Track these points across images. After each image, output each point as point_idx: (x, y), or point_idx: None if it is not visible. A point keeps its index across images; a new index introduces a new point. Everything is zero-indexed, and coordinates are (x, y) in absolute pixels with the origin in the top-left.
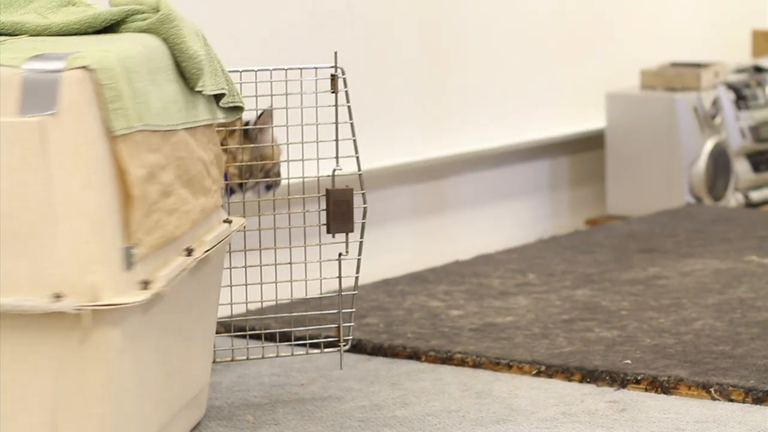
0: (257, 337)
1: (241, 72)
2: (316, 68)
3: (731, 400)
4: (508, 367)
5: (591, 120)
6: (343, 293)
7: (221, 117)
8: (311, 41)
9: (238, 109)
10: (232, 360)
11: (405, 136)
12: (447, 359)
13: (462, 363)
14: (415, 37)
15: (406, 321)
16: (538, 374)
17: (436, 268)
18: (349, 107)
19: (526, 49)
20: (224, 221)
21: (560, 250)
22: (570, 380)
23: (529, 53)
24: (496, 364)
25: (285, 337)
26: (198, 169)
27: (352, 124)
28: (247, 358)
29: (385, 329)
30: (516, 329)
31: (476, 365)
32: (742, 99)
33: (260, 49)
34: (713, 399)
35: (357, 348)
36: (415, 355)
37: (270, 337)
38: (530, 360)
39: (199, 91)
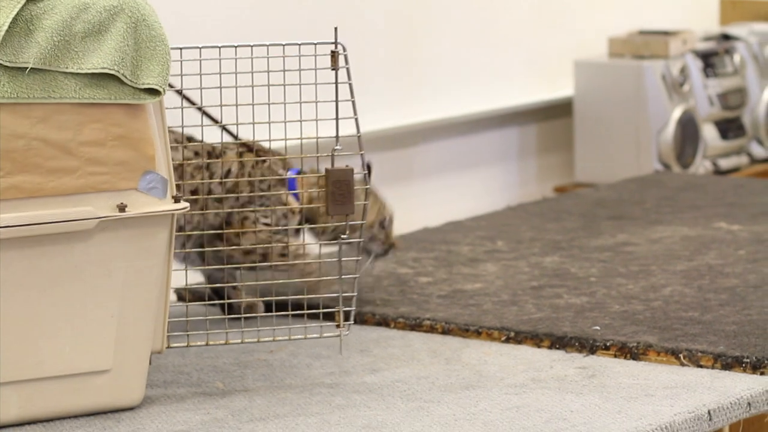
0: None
1: (236, 47)
2: (315, 44)
3: (700, 366)
4: (477, 334)
5: (559, 88)
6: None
7: (127, 98)
8: (277, 12)
9: (154, 92)
10: (241, 342)
11: (373, 104)
12: (416, 326)
13: (431, 329)
14: (383, 4)
15: (375, 288)
16: (507, 340)
17: (405, 235)
18: (350, 85)
19: (494, 17)
20: (118, 206)
21: (528, 217)
22: (539, 346)
23: (497, 21)
24: (465, 331)
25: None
26: (7, 146)
27: (353, 102)
28: (242, 342)
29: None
30: (485, 296)
31: (445, 332)
32: (710, 66)
33: (222, 24)
34: (682, 365)
35: (325, 315)
36: (384, 322)
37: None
38: (499, 326)
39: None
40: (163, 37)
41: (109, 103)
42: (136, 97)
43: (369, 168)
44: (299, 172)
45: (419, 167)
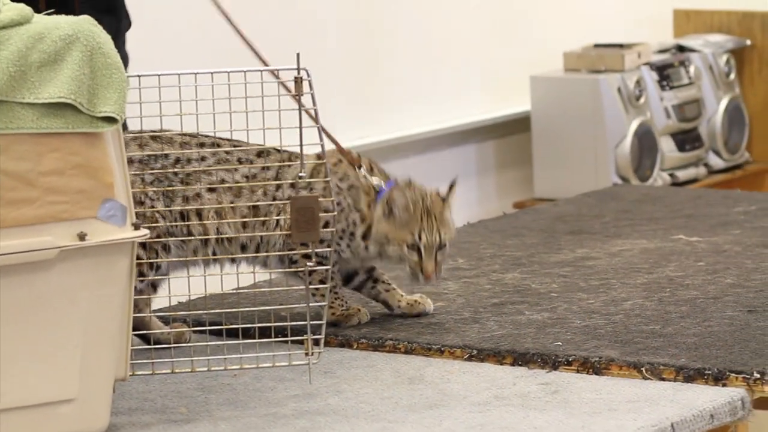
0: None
1: (195, 74)
2: (277, 70)
3: (662, 379)
4: (440, 353)
5: (516, 103)
6: (311, 304)
7: (85, 127)
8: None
9: (111, 120)
10: (208, 370)
11: (331, 123)
12: (379, 346)
13: (394, 349)
14: (342, 25)
15: None
16: (470, 358)
17: None
18: (315, 111)
19: (450, 35)
20: (78, 235)
21: (488, 234)
22: (502, 363)
23: (452, 39)
24: (427, 350)
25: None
26: None
27: (319, 128)
28: (208, 369)
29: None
30: (446, 314)
31: (408, 351)
32: (665, 79)
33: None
34: (644, 378)
35: (293, 340)
36: (346, 343)
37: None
38: (461, 344)
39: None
40: (118, 65)
41: (67, 132)
42: (93, 126)
43: (452, 185)
44: (394, 184)
45: None
